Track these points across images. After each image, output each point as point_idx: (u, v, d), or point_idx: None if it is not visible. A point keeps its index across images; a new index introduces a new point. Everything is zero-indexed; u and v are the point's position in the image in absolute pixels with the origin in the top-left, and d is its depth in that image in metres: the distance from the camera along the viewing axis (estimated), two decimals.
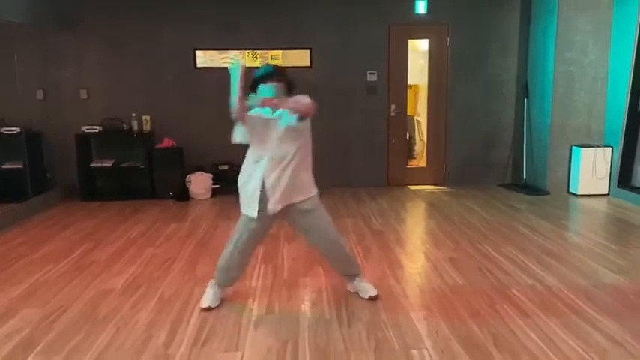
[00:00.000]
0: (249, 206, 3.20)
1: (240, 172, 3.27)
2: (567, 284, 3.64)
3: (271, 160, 3.12)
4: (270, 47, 6.91)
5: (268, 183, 3.12)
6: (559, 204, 6.12)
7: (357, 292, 3.50)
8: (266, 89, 3.12)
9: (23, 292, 3.64)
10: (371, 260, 4.25)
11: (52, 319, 3.21)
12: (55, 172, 6.82)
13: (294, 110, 3.05)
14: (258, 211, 3.15)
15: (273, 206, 3.15)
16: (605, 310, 3.21)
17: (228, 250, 3.36)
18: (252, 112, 3.11)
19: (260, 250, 4.50)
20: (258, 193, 3.13)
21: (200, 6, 6.80)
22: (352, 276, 3.52)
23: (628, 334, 2.91)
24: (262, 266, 4.12)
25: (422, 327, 3.04)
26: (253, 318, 3.19)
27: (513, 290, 3.56)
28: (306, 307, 3.35)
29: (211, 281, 3.43)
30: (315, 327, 3.05)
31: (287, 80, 3.20)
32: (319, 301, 3.44)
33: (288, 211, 3.24)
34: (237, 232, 3.33)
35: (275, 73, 3.16)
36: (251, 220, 3.22)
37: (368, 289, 3.45)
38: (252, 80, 3.18)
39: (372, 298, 3.41)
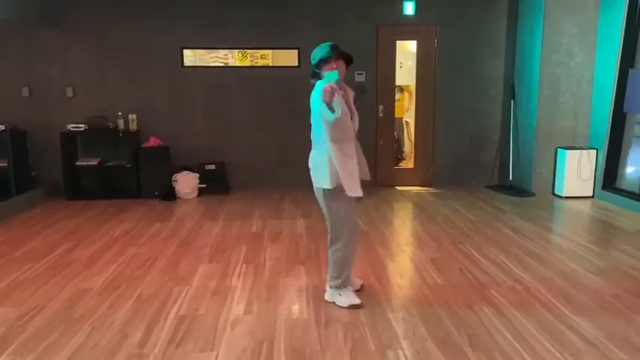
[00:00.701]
0: (354, 187, 3.17)
1: (328, 161, 3.14)
2: (546, 285, 3.66)
3: (355, 142, 3.28)
4: (258, 47, 6.90)
5: (356, 163, 3.22)
6: (544, 205, 6.14)
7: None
8: (332, 74, 3.07)
9: (1, 291, 3.61)
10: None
11: (27, 318, 3.18)
12: (41, 171, 6.77)
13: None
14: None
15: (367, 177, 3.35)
16: (582, 312, 3.23)
17: (343, 244, 3.30)
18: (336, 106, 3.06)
19: (243, 250, 4.50)
20: (357, 173, 3.20)
21: (188, 4, 6.78)
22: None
23: (603, 335, 2.92)
24: (244, 266, 4.10)
25: (399, 327, 3.04)
26: (231, 318, 3.18)
27: (492, 291, 3.57)
28: (284, 307, 3.34)
29: (338, 290, 3.33)
30: (293, 327, 3.05)
31: (347, 57, 3.19)
32: (298, 301, 3.43)
33: None
34: (347, 221, 3.30)
35: (338, 52, 3.15)
36: (356, 200, 3.27)
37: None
38: (317, 61, 3.17)
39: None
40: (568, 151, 6.38)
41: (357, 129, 3.34)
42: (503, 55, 7.12)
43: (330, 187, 3.16)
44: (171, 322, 3.11)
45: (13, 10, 5.78)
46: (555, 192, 6.57)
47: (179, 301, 3.41)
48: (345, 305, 3.30)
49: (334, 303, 3.35)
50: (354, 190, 3.17)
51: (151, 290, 3.61)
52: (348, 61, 3.21)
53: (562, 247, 4.58)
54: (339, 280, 3.34)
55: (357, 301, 3.31)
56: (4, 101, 6.64)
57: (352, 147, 3.23)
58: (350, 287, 3.41)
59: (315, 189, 3.35)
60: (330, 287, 3.41)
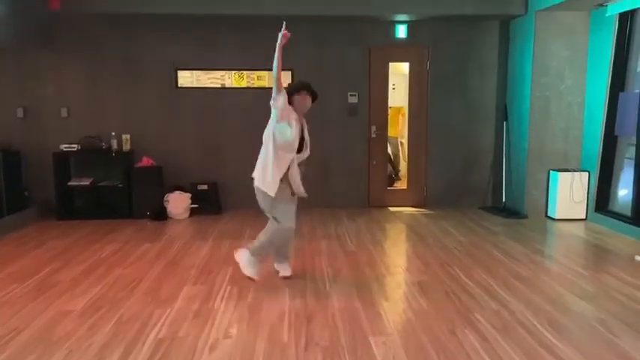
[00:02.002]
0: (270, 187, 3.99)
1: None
2: (532, 309, 3.62)
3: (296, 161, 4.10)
4: (251, 68, 6.96)
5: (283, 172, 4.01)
6: (536, 227, 6.11)
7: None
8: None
9: None
10: (339, 282, 4.22)
11: (5, 340, 3.15)
12: (33, 191, 6.78)
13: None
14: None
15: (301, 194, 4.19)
16: (566, 337, 3.18)
17: (281, 227, 4.04)
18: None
19: (229, 271, 4.47)
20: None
21: (182, 26, 6.86)
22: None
23: None
24: (228, 288, 4.08)
25: (379, 352, 3.01)
26: (210, 341, 3.14)
27: (477, 315, 3.53)
28: (265, 330, 3.30)
29: (254, 258, 4.09)
30: (271, 351, 3.01)
31: (314, 93, 4.09)
32: (280, 325, 3.39)
33: None
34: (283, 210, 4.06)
35: (307, 88, 4.06)
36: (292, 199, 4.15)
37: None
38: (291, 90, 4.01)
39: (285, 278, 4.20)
40: (560, 174, 6.37)
41: (306, 155, 4.15)
42: (495, 77, 7.17)
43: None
44: (149, 345, 3.08)
45: (7, 33, 5.86)
46: (548, 214, 6.54)
47: (159, 324, 3.38)
48: (247, 273, 4.03)
49: (239, 263, 4.08)
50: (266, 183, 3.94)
51: (132, 312, 3.58)
52: (315, 97, 4.10)
53: (551, 271, 4.54)
54: (260, 252, 4.09)
55: (255, 276, 4.04)
56: None
57: (287, 157, 3.96)
58: (287, 262, 4.28)
59: None
60: (250, 252, 4.05)
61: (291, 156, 3.96)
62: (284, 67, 6.79)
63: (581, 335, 3.22)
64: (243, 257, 4.08)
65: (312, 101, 4.07)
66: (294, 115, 3.93)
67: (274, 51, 3.89)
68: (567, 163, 6.54)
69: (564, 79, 6.43)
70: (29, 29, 6.42)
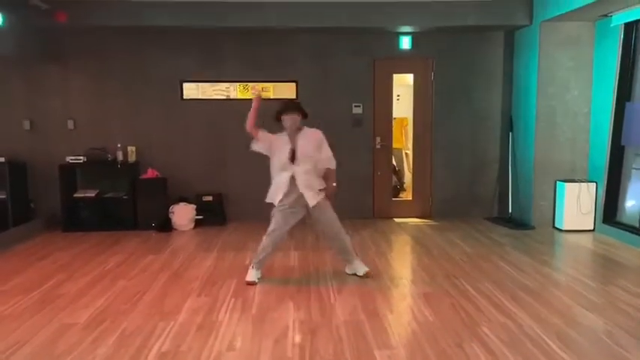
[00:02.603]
0: (272, 197, 4.57)
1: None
2: (539, 322, 3.57)
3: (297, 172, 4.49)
4: (257, 80, 6.98)
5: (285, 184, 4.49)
6: (543, 239, 6.06)
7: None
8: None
9: None
10: (343, 294, 4.18)
11: (8, 353, 3.14)
12: (39, 202, 6.81)
13: None
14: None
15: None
16: (574, 350, 3.13)
17: (270, 235, 4.57)
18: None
19: (233, 283, 4.45)
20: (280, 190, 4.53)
21: (187, 38, 6.91)
22: None
23: None
24: (232, 300, 4.05)
25: None
26: (213, 355, 3.11)
27: (484, 328, 3.48)
28: (269, 344, 3.27)
29: (253, 266, 4.51)
30: None
31: (302, 111, 4.44)
32: (284, 337, 3.36)
33: None
34: (276, 221, 4.55)
35: (292, 108, 4.43)
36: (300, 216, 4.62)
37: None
38: (275, 115, 4.43)
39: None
40: (567, 184, 6.32)
41: (309, 167, 4.44)
42: (500, 87, 7.15)
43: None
44: (152, 359, 3.06)
45: (14, 46, 5.92)
46: (555, 225, 6.48)
47: (162, 337, 3.36)
48: (247, 279, 4.41)
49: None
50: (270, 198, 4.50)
51: (135, 325, 3.56)
52: (303, 113, 4.45)
53: (559, 282, 4.49)
54: (255, 260, 4.52)
55: (250, 280, 4.40)
56: (5, 134, 6.75)
57: (284, 174, 4.40)
58: (257, 270, 4.50)
59: None
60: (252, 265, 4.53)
61: (287, 174, 4.37)
62: (289, 79, 7.00)
63: (589, 348, 3.17)
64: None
65: (303, 117, 4.45)
66: (278, 143, 4.42)
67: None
68: (574, 173, 6.49)
69: (570, 89, 6.40)
70: (36, 42, 6.49)
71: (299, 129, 4.43)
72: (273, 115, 4.45)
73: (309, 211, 4.47)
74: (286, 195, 4.38)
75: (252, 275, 4.46)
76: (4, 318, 3.71)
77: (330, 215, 4.54)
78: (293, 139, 4.40)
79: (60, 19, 6.02)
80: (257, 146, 4.48)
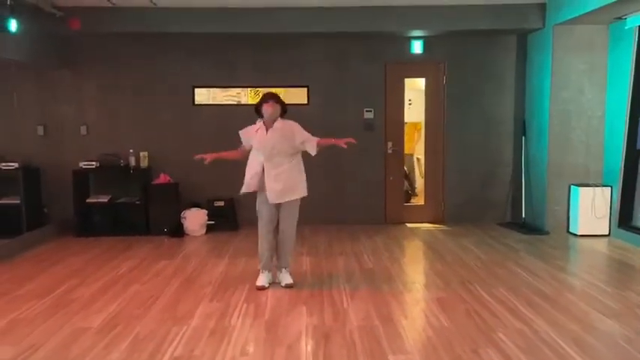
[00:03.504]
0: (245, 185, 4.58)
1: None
2: (556, 328, 3.51)
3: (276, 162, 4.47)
4: (268, 85, 6.95)
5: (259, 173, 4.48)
6: (557, 244, 5.98)
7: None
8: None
9: (0, 329, 3.59)
10: (357, 299, 4.15)
11: (22, 357, 3.14)
12: (53, 208, 6.85)
13: None
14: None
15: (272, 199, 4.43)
16: (592, 357, 3.08)
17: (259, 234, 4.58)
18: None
19: (245, 288, 4.44)
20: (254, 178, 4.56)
21: (199, 44, 6.94)
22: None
23: None
24: (245, 305, 4.04)
25: None
26: (226, 359, 3.10)
27: (499, 334, 3.43)
28: (282, 349, 3.25)
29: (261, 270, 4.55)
30: None
31: (282, 104, 4.42)
32: (297, 343, 3.34)
33: None
34: (259, 216, 4.53)
35: (272, 97, 4.40)
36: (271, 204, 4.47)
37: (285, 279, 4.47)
38: (255, 107, 4.47)
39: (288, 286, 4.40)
40: (581, 188, 6.25)
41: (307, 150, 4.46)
42: (512, 91, 7.10)
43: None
44: None
45: (29, 53, 5.98)
46: (570, 230, 6.40)
47: (175, 342, 3.35)
48: (257, 284, 4.41)
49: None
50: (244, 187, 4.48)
51: (148, 330, 3.55)
52: (280, 103, 4.42)
53: (574, 288, 4.42)
54: (260, 263, 4.52)
55: (259, 284, 4.40)
56: (19, 140, 6.80)
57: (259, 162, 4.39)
58: (268, 273, 4.47)
59: None
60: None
61: (260, 163, 4.37)
62: (300, 84, 7.01)
63: (607, 355, 3.12)
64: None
65: (283, 111, 4.44)
66: (253, 131, 4.47)
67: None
68: (588, 177, 6.41)
69: (584, 92, 6.34)
70: (50, 48, 6.55)
71: (275, 120, 4.39)
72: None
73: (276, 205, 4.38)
74: (260, 186, 4.36)
75: (261, 280, 4.45)
76: (18, 322, 3.72)
77: (294, 215, 4.45)
78: (268, 128, 4.39)
79: (74, 26, 6.07)
80: (247, 146, 4.54)
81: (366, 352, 3.18)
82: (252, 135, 4.43)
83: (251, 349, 3.25)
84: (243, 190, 4.46)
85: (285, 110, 4.46)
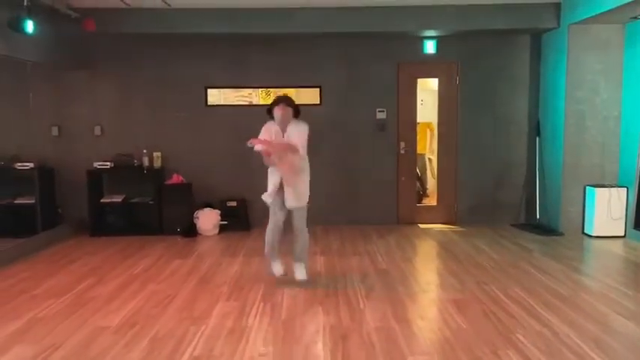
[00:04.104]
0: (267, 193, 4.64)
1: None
2: (576, 330, 3.49)
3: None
4: (281, 85, 6.98)
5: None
6: (572, 245, 5.94)
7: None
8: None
9: (20, 328, 3.62)
10: (372, 300, 4.14)
11: (43, 356, 3.17)
12: (67, 207, 6.89)
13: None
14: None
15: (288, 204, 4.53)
16: (614, 358, 3.05)
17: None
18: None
19: (261, 288, 4.45)
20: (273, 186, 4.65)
21: (212, 45, 6.96)
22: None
23: None
24: (261, 304, 4.04)
25: None
26: (245, 358, 3.10)
27: (518, 335, 3.42)
28: (301, 348, 3.25)
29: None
30: None
31: (294, 106, 4.42)
32: (315, 342, 3.34)
33: None
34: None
35: (283, 100, 4.41)
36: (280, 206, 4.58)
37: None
38: (267, 109, 4.48)
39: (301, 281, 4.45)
40: (597, 189, 6.20)
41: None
42: (527, 91, 7.06)
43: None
44: None
45: (44, 54, 6.02)
46: (585, 231, 6.36)
47: (194, 341, 3.36)
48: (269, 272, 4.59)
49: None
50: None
51: (167, 329, 3.57)
52: (296, 110, 4.45)
53: (592, 289, 4.39)
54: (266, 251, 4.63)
55: (274, 273, 4.58)
56: (34, 140, 6.85)
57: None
58: (277, 261, 4.60)
59: None
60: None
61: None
62: (313, 85, 6.98)
63: (629, 356, 3.09)
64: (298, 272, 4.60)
65: (295, 114, 4.44)
66: (271, 134, 4.44)
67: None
68: (604, 178, 6.37)
69: (599, 92, 6.29)
70: (65, 49, 6.59)
71: (289, 123, 4.41)
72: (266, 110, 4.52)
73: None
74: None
75: (276, 268, 4.59)
76: (37, 321, 3.75)
77: (305, 211, 4.53)
78: (284, 131, 4.42)
79: (89, 27, 6.11)
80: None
81: (384, 353, 3.17)
82: (268, 138, 4.43)
83: (270, 348, 3.26)
84: (269, 199, 4.55)
85: (299, 112, 4.48)
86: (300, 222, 4.50)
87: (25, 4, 5.11)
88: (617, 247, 5.84)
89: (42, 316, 3.85)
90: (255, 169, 7.07)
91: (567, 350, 3.18)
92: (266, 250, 4.62)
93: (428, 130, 7.94)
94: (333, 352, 3.19)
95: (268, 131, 4.44)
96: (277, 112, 4.38)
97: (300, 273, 4.54)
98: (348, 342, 3.34)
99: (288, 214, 4.52)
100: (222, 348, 3.26)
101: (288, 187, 4.38)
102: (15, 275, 4.91)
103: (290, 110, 4.40)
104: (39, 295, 4.32)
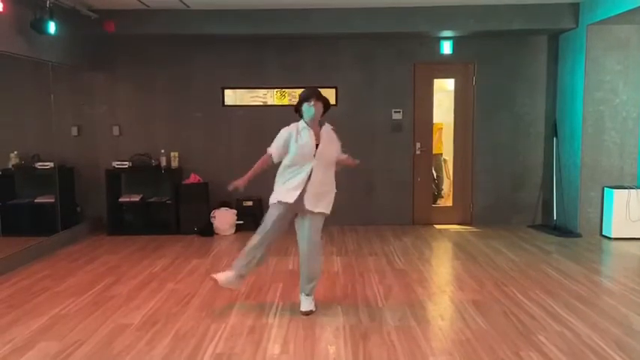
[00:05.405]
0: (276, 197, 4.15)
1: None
2: (598, 332, 3.46)
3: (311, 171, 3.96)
4: (296, 86, 7.00)
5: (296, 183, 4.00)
6: (591, 247, 5.89)
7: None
8: (307, 108, 3.81)
9: (43, 325, 3.67)
10: (391, 300, 4.15)
11: (67, 352, 3.21)
12: (86, 206, 6.97)
13: None
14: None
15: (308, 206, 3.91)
16: None
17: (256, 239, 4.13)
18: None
19: (279, 287, 4.47)
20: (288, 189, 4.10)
21: (228, 47, 7.00)
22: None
23: None
24: (280, 304, 4.06)
25: None
26: (267, 358, 3.13)
27: (540, 337, 3.40)
28: (321, 347, 3.27)
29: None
30: None
31: (323, 99, 3.85)
32: (335, 341, 3.36)
33: None
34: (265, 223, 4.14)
35: (315, 94, 3.82)
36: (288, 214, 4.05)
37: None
38: (297, 101, 3.90)
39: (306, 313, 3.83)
40: (616, 191, 6.15)
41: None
42: (544, 92, 7.02)
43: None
44: None
45: (65, 55, 6.11)
46: (603, 233, 6.30)
47: (215, 339, 3.39)
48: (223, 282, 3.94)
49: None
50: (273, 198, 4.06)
51: (188, 327, 3.60)
52: (326, 105, 3.88)
53: (612, 291, 4.35)
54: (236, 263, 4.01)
55: (230, 285, 3.98)
56: (54, 140, 6.91)
57: (294, 169, 3.93)
58: (243, 279, 4.03)
59: None
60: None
61: (306, 171, 3.88)
62: (329, 85, 6.92)
63: None
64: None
65: (325, 108, 3.86)
66: (295, 135, 3.87)
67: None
68: (623, 179, 6.31)
69: (618, 93, 6.24)
70: (85, 50, 6.68)
71: (319, 121, 3.86)
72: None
73: (298, 213, 3.91)
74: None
75: (234, 280, 3.97)
76: (60, 318, 3.80)
77: (321, 226, 3.92)
78: (317, 134, 3.83)
79: (108, 28, 6.19)
80: (277, 158, 4.06)
81: (405, 353, 3.17)
82: (294, 137, 3.85)
83: (291, 346, 3.27)
84: (282, 199, 3.93)
85: (329, 107, 3.90)
86: (316, 234, 3.85)
87: (48, 5, 5.19)
88: (636, 248, 5.78)
89: (64, 313, 3.90)
90: (271, 169, 7.14)
91: (589, 351, 3.17)
92: (239, 263, 3.95)
93: (438, 131, 7.91)
94: (354, 352, 3.20)
95: (287, 138, 3.88)
96: (317, 108, 3.76)
97: (306, 305, 3.86)
98: (369, 342, 3.34)
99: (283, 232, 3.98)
100: (244, 346, 3.29)
101: (318, 191, 3.81)
102: (36, 273, 4.97)
103: (321, 105, 3.81)
104: (60, 293, 4.37)
